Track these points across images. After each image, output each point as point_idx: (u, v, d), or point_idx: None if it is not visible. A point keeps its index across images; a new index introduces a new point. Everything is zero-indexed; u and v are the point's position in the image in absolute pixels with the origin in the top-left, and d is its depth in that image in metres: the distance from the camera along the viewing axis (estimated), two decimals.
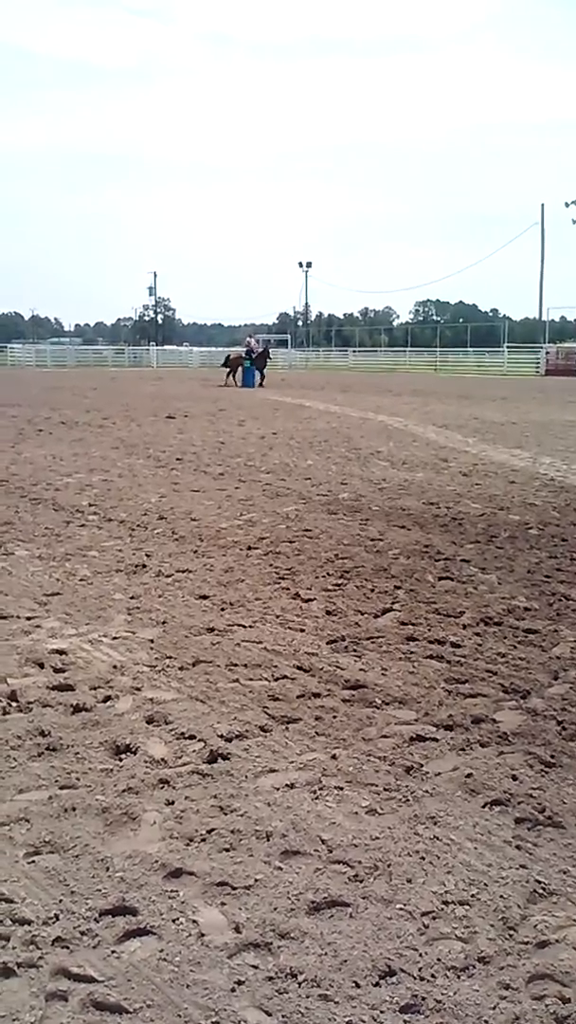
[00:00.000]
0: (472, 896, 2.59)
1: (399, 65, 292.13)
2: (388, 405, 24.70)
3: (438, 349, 69.23)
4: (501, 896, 2.58)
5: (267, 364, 38.17)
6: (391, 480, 10.69)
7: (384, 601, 5.65)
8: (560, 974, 2.27)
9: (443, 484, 10.45)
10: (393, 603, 5.60)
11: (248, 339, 41.14)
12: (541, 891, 2.61)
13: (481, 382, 42.85)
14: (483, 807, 3.11)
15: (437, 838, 2.90)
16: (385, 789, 3.23)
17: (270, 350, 40.38)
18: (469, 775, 3.33)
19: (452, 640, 4.89)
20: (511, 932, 2.43)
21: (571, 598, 5.74)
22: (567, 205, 64.96)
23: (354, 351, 74.83)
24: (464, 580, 6.19)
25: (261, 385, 36.25)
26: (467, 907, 2.54)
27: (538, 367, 53.40)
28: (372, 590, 5.89)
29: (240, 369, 37.08)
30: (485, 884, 2.64)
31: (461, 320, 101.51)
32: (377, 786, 3.25)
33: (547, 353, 54.31)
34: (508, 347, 59.49)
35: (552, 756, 3.50)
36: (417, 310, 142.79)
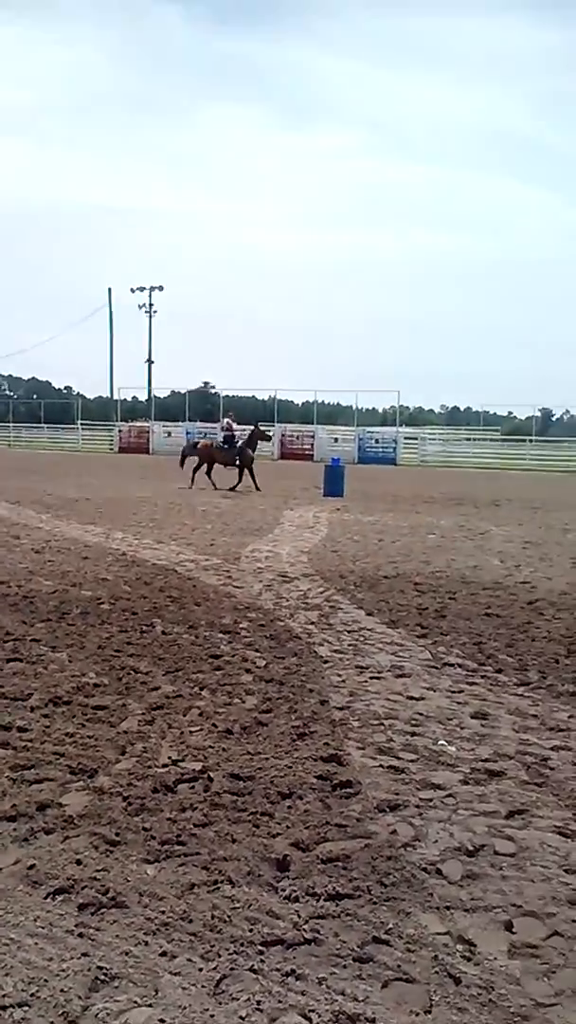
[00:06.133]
0: (32, 995, 2.48)
1: None
2: None
3: (12, 424, 67.93)
4: (62, 990, 2.51)
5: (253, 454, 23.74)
6: None
7: None
8: None
9: (14, 561, 10.18)
10: None
11: (224, 419, 26.58)
12: (103, 977, 2.58)
13: (56, 458, 42.72)
14: (45, 898, 3.02)
15: None
16: None
17: (266, 431, 26.44)
18: (32, 866, 3.21)
19: (19, 724, 4.74)
20: None
21: (140, 671, 5.86)
22: (132, 291, 67.91)
23: None
24: (34, 660, 6.04)
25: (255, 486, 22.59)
26: (26, 1008, 2.43)
27: (112, 444, 54.68)
28: None
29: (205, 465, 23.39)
30: (45, 980, 2.55)
31: (35, 396, 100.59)
32: None
33: (120, 431, 55.84)
34: (82, 424, 60.14)
35: (117, 834, 3.51)
36: None
